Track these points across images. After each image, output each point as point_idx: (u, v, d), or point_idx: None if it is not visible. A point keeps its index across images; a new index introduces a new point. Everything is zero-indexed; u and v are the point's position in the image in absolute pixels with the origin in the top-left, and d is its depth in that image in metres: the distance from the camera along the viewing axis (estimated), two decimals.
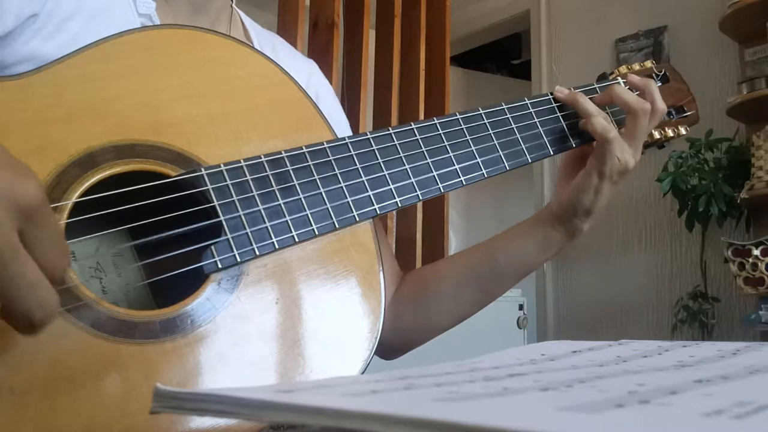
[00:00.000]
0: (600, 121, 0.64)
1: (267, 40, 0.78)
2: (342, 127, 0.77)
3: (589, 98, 0.67)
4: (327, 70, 2.01)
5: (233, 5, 0.74)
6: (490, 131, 0.63)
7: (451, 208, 2.50)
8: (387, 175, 0.56)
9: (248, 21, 0.78)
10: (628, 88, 0.69)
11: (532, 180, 3.32)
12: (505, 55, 4.66)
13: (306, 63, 0.82)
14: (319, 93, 0.76)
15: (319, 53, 2.08)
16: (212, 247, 0.48)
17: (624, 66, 0.76)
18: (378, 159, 0.56)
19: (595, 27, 3.10)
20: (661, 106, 0.68)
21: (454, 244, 3.55)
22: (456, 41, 3.27)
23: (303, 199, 0.52)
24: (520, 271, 0.72)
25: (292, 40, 1.95)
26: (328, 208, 0.53)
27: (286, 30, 2.05)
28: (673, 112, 0.75)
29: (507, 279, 0.72)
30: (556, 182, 0.74)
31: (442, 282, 0.73)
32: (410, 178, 0.57)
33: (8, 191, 0.34)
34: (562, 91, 0.67)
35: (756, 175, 2.28)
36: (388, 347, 0.75)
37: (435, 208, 2.26)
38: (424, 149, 0.59)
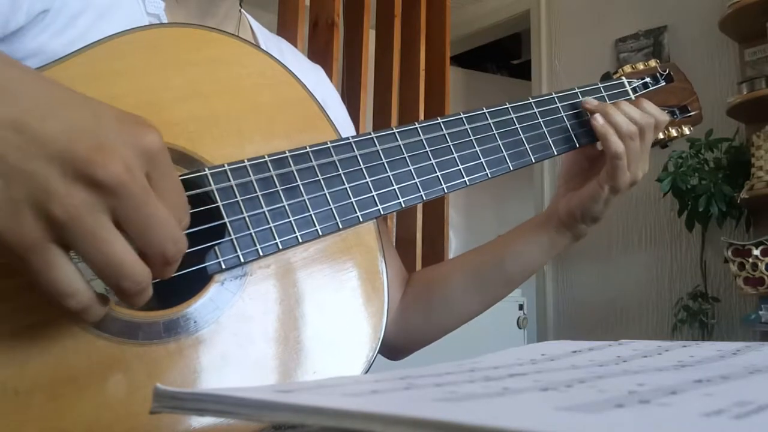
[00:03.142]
0: (615, 140, 0.65)
1: (274, 44, 0.78)
2: (347, 132, 0.77)
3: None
4: (327, 70, 2.00)
5: (241, 8, 0.74)
6: (494, 131, 0.63)
7: (451, 208, 2.50)
8: (391, 176, 0.56)
9: (256, 25, 0.78)
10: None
11: (532, 180, 3.32)
12: (505, 55, 4.66)
13: (312, 68, 0.82)
14: (326, 99, 0.76)
15: (319, 53, 2.08)
16: (216, 247, 0.48)
17: (628, 65, 0.76)
18: (382, 159, 0.56)
19: (595, 27, 3.10)
20: (663, 118, 0.70)
21: (454, 244, 3.54)
22: (456, 41, 3.26)
23: (307, 200, 0.52)
24: (525, 274, 0.74)
25: (292, 40, 1.95)
26: (331, 209, 0.53)
27: (286, 30, 2.04)
28: (677, 112, 0.75)
29: (513, 282, 0.74)
30: (558, 183, 0.75)
31: (450, 286, 0.74)
32: (414, 179, 0.57)
33: (134, 138, 0.37)
34: (591, 102, 0.68)
35: (756, 175, 2.28)
36: (395, 348, 0.76)
37: (435, 209, 2.26)
38: (428, 149, 0.59)
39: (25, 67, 0.39)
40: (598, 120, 0.66)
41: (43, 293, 0.36)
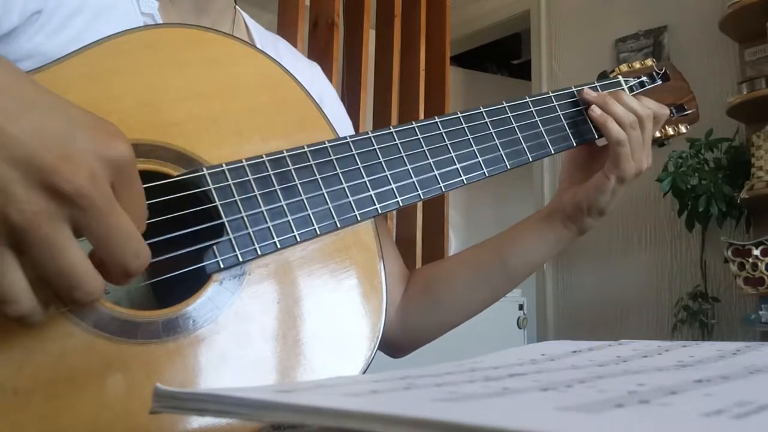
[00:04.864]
0: (615, 127, 0.66)
1: (270, 41, 0.78)
2: (345, 128, 0.77)
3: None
4: (327, 70, 2.00)
5: (236, 6, 0.74)
6: (491, 130, 0.63)
7: (451, 207, 2.50)
8: (388, 175, 0.56)
9: (251, 22, 0.77)
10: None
11: (531, 179, 3.33)
12: (505, 55, 4.66)
13: (309, 65, 0.82)
14: (322, 96, 0.76)
15: (319, 53, 2.08)
16: (214, 246, 0.48)
17: (624, 64, 0.77)
18: (379, 158, 0.56)
19: (595, 27, 3.10)
20: (662, 111, 0.71)
21: (454, 244, 3.55)
22: (456, 41, 3.27)
23: (305, 199, 0.52)
24: (529, 270, 0.74)
25: (292, 40, 1.95)
26: (329, 208, 0.53)
27: (286, 30, 2.04)
28: (674, 111, 0.75)
29: (516, 278, 0.74)
30: (561, 178, 0.75)
31: (452, 283, 0.74)
32: (411, 178, 0.57)
33: (102, 148, 0.37)
34: (589, 93, 0.69)
35: (756, 175, 2.28)
36: (397, 346, 0.76)
37: (435, 208, 2.26)
38: (425, 148, 0.59)
39: (6, 64, 0.38)
40: (596, 111, 0.66)
41: None
